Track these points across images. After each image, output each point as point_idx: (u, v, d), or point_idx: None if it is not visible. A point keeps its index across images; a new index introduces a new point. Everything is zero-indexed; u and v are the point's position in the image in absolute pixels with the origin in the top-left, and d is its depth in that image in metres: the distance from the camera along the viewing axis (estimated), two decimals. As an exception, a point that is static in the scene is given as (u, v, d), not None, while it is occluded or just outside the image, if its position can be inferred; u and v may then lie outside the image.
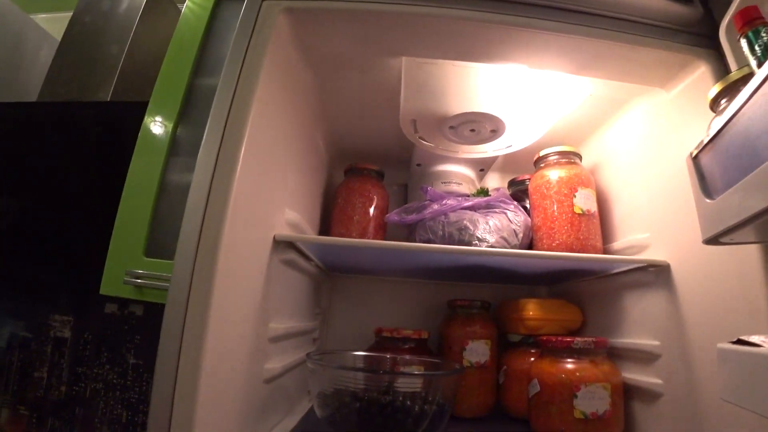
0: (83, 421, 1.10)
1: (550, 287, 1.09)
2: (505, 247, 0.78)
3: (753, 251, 0.56)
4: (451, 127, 0.78)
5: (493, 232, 0.78)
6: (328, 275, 1.05)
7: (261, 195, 0.62)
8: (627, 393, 0.76)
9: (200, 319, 0.48)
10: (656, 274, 0.74)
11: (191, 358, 0.48)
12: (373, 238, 0.87)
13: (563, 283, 1.00)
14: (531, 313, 0.86)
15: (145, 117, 0.92)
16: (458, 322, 0.88)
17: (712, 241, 0.49)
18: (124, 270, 0.83)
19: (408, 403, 0.59)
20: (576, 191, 0.80)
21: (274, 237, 0.66)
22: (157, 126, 0.91)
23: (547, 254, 0.74)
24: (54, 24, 1.28)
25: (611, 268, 0.79)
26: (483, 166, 0.96)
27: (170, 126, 0.87)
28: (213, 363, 0.49)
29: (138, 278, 0.82)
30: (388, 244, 0.66)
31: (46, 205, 1.10)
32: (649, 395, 0.73)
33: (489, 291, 0.95)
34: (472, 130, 0.78)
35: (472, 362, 0.84)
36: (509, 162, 1.01)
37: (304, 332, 0.85)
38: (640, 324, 0.77)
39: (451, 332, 0.87)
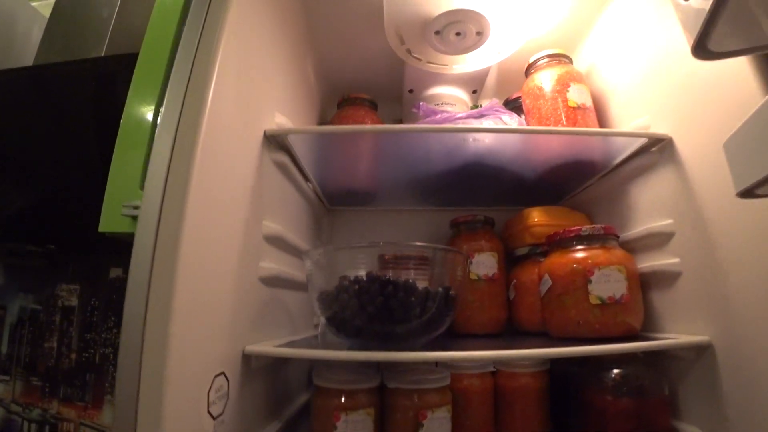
0: (94, 387, 1.08)
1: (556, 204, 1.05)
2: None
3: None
4: (437, 33, 0.76)
5: (487, 132, 0.76)
6: (328, 210, 1.04)
7: (248, 92, 0.61)
8: (644, 284, 0.73)
9: (178, 205, 0.46)
10: (660, 153, 0.71)
11: (168, 245, 0.45)
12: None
13: (568, 198, 0.97)
14: (536, 219, 0.84)
15: (137, 64, 0.92)
16: (462, 238, 0.85)
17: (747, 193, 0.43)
18: (121, 204, 0.82)
19: (411, 280, 0.57)
20: (568, 87, 0.79)
21: (264, 132, 0.65)
22: (148, 70, 0.91)
23: (541, 129, 0.71)
24: (47, 9, 1.30)
25: (611, 154, 0.76)
26: (475, 86, 0.95)
27: (162, 69, 0.87)
28: (193, 250, 0.47)
29: (135, 208, 0.81)
30: (384, 126, 0.64)
31: (45, 173, 1.10)
32: (667, 278, 0.70)
33: (494, 215, 0.92)
34: (458, 34, 0.76)
35: (479, 275, 0.82)
36: (503, 83, 1.00)
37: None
38: (650, 209, 0.74)
39: (456, 248, 0.85)
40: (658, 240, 0.71)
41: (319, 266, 0.62)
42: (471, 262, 0.81)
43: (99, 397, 1.08)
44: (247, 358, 0.60)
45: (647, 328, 0.73)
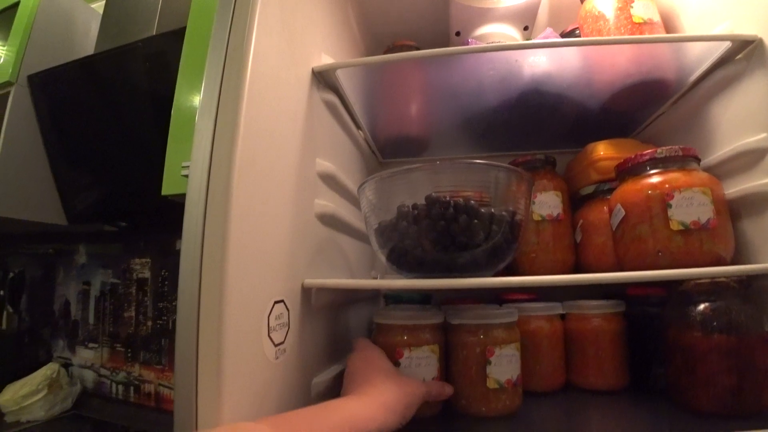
0: (169, 351, 1.14)
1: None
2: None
3: None
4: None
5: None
6: (380, 164, 1.02)
7: (293, 32, 0.59)
8: (732, 213, 0.66)
9: (227, 144, 0.46)
10: (747, 59, 0.63)
11: (220, 181, 0.45)
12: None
13: (637, 133, 0.89)
14: (602, 153, 0.77)
15: (186, 35, 0.95)
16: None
17: None
18: (180, 165, 0.86)
19: (472, 202, 0.54)
20: (632, 1, 0.71)
21: (312, 69, 0.64)
22: (196, 39, 0.94)
23: (601, 39, 0.64)
24: (101, 7, 1.37)
25: (687, 68, 0.68)
26: (526, 22, 0.89)
27: (208, 34, 0.90)
28: (246, 185, 0.47)
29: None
30: (432, 51, 0.60)
31: (110, 156, 1.17)
32: (762, 200, 0.62)
33: (557, 158, 0.86)
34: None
35: (543, 215, 0.77)
36: (556, 16, 0.93)
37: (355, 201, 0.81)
38: (736, 127, 0.66)
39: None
40: (749, 159, 0.64)
41: (374, 199, 0.60)
42: (534, 203, 0.76)
43: (174, 360, 1.14)
44: (306, 293, 0.60)
45: (739, 260, 0.65)
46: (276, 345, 0.52)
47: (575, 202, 0.83)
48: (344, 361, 0.72)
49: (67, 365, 1.44)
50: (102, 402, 1.34)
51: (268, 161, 0.52)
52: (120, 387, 1.29)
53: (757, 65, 0.62)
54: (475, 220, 0.53)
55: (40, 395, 1.27)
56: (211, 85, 0.49)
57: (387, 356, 0.58)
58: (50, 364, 1.39)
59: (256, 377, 0.48)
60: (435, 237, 0.53)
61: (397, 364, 0.58)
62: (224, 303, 0.43)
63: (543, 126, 0.85)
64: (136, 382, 1.24)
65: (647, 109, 0.81)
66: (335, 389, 0.68)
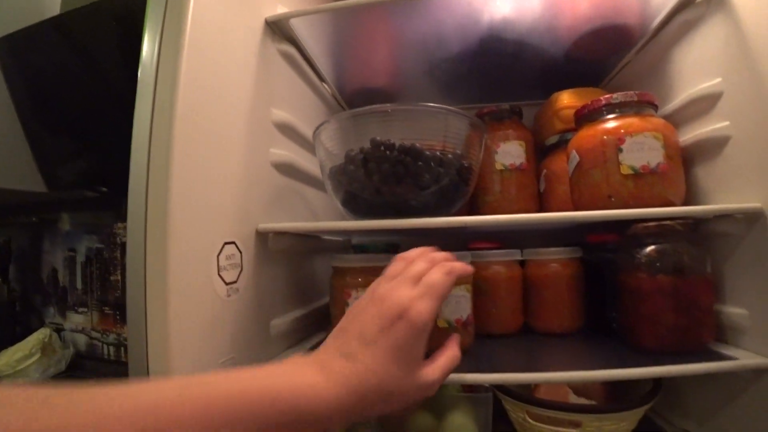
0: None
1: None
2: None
3: None
4: None
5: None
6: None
7: None
8: (686, 160, 0.66)
9: (169, 89, 0.46)
10: (707, 2, 0.62)
11: (162, 125, 0.46)
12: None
13: (606, 83, 0.89)
14: (566, 101, 0.78)
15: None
16: (487, 129, 0.81)
17: None
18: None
19: (417, 145, 0.54)
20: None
21: (265, 20, 0.63)
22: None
23: None
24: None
25: (648, 12, 0.68)
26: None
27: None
28: (189, 131, 0.47)
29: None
30: None
31: (85, 120, 1.16)
32: (713, 147, 0.63)
33: (525, 111, 0.86)
34: None
35: (506, 165, 0.77)
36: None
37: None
38: (694, 72, 0.66)
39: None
40: (704, 105, 0.64)
41: (328, 144, 0.61)
42: (496, 152, 0.77)
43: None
44: (262, 237, 0.61)
45: (690, 204, 0.66)
46: (227, 283, 0.53)
47: (542, 152, 0.84)
48: (309, 307, 0.75)
49: (59, 330, 1.48)
50: (95, 363, 1.38)
51: (214, 110, 0.52)
52: (111, 348, 1.34)
53: (716, 9, 0.61)
54: (420, 162, 0.53)
55: (34, 358, 1.31)
56: (152, 35, 0.49)
57: (338, 297, 0.60)
58: (42, 329, 1.43)
59: (206, 312, 0.50)
60: (380, 179, 0.54)
61: (345, 304, 0.59)
62: (169, 241, 0.45)
63: (509, 75, 0.84)
64: (126, 343, 1.28)
65: (613, 57, 0.80)
66: (297, 332, 0.71)
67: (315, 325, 0.75)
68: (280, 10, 0.67)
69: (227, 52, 0.55)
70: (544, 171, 0.80)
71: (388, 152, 0.53)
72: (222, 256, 0.53)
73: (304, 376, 0.33)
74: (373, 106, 0.56)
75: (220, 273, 0.52)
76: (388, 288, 0.40)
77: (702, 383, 0.67)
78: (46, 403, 0.24)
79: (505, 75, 0.84)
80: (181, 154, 0.46)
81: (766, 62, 0.54)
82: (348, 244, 0.94)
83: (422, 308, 0.37)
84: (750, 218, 0.57)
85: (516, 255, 0.73)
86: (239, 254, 0.56)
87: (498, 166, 0.77)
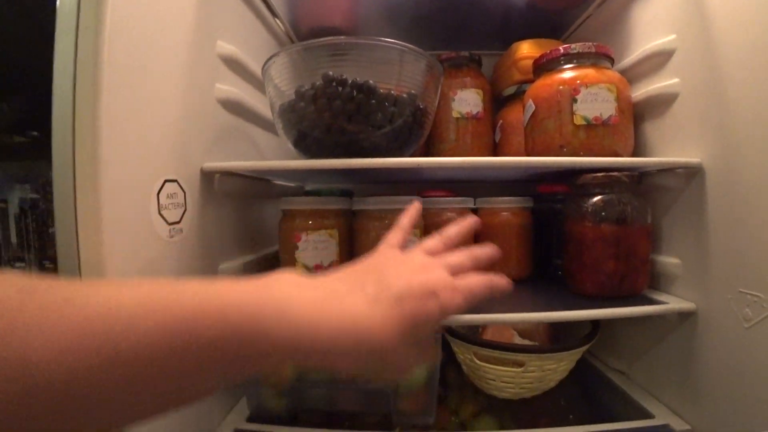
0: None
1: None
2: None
3: None
4: None
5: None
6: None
7: None
8: (637, 115, 0.68)
9: (94, 17, 0.41)
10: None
11: (88, 58, 0.41)
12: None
13: (568, 35, 0.88)
14: (525, 51, 0.77)
15: None
16: (445, 76, 0.79)
17: None
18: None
19: (371, 81, 0.52)
20: None
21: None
22: None
23: None
24: None
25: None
26: None
27: None
28: (121, 61, 0.43)
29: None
30: None
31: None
32: (663, 102, 0.64)
33: (487, 60, 0.84)
34: None
35: (462, 113, 0.76)
36: None
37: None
38: (651, 28, 0.66)
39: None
40: (658, 61, 0.65)
41: (278, 80, 0.57)
42: (453, 99, 0.76)
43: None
44: (208, 177, 0.58)
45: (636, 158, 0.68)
46: (170, 223, 0.51)
47: (499, 102, 0.83)
48: (260, 253, 0.73)
49: (-3, 287, 1.39)
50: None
51: (148, 39, 0.47)
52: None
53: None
54: (373, 101, 0.51)
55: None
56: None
57: (287, 240, 0.59)
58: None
59: (146, 253, 0.47)
60: (331, 117, 0.52)
61: (295, 247, 0.58)
62: (100, 177, 0.42)
63: (469, 22, 0.82)
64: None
65: (574, 10, 0.79)
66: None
67: (266, 271, 0.74)
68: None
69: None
70: (500, 121, 0.80)
71: (340, 88, 0.51)
72: (162, 195, 0.50)
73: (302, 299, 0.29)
74: (326, 38, 0.53)
75: (161, 212, 0.49)
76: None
77: (634, 327, 0.72)
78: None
79: (466, 22, 0.82)
80: (110, 84, 0.42)
81: (718, 22, 0.54)
82: (301, 190, 0.91)
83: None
84: (690, 173, 0.60)
85: (469, 203, 0.73)
86: (182, 193, 0.53)
87: (454, 114, 0.76)
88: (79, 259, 0.42)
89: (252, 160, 0.70)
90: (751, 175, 0.50)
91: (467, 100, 0.76)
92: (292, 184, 0.88)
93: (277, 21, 0.79)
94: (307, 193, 0.85)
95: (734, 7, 0.51)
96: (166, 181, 0.50)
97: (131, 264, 0.45)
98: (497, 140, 0.80)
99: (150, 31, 0.48)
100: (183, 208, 0.53)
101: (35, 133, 1.29)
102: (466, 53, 0.78)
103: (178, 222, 0.52)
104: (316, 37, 0.86)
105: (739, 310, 0.52)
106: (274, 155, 0.79)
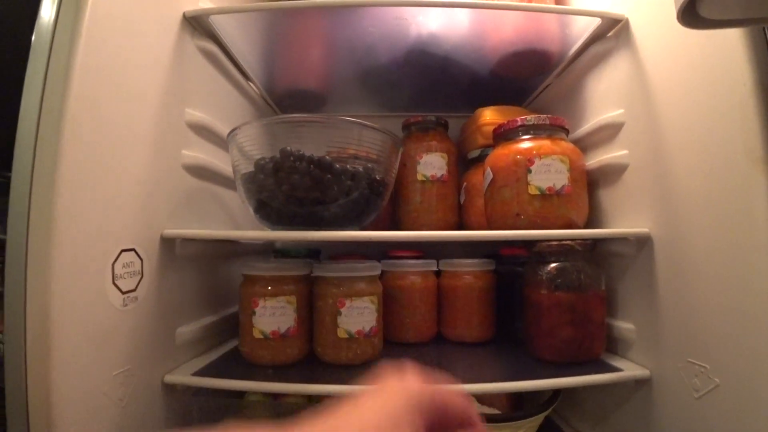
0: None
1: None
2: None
3: None
4: None
5: None
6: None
7: None
8: (592, 182, 0.70)
9: (59, 87, 0.43)
10: (616, 38, 0.66)
11: (51, 123, 0.43)
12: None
13: (530, 102, 0.93)
14: (488, 117, 0.80)
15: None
16: (412, 139, 0.82)
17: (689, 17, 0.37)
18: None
19: (327, 158, 0.54)
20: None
21: (183, 14, 0.61)
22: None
23: (485, 3, 0.63)
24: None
25: (566, 40, 0.71)
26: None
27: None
28: (82, 129, 0.44)
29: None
30: (308, 2, 0.59)
31: None
32: (614, 172, 0.67)
33: (453, 122, 0.88)
34: None
35: (427, 176, 0.79)
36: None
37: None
38: (603, 101, 0.70)
39: (405, 149, 0.81)
40: (609, 132, 0.68)
41: (241, 150, 0.59)
42: (419, 163, 0.78)
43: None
44: (168, 243, 0.59)
45: (592, 225, 0.71)
46: (124, 293, 0.51)
47: (464, 164, 0.86)
48: (222, 313, 0.73)
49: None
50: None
51: (115, 105, 0.49)
52: None
53: (623, 44, 0.65)
54: (329, 175, 0.53)
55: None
56: (44, 23, 0.45)
57: (246, 305, 0.60)
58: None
59: (97, 323, 0.47)
60: (289, 190, 0.53)
61: (253, 313, 0.59)
62: (53, 247, 0.42)
63: (437, 88, 0.86)
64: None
65: (535, 79, 0.84)
66: (207, 339, 0.69)
67: (228, 331, 0.74)
68: (203, 5, 0.64)
69: (135, 44, 0.52)
70: (465, 183, 0.82)
71: (297, 163, 0.53)
72: (118, 265, 0.50)
73: None
74: (284, 116, 0.56)
75: (116, 282, 0.50)
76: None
77: (594, 390, 0.72)
78: None
79: (434, 87, 0.86)
80: (71, 150, 0.43)
81: (662, 97, 0.57)
82: (270, 247, 0.92)
83: None
84: (640, 241, 0.62)
85: (432, 266, 0.75)
86: (140, 261, 0.54)
87: (420, 177, 0.78)
88: (25, 325, 0.42)
89: (219, 222, 0.72)
90: (695, 245, 0.52)
91: (432, 164, 0.78)
92: (260, 242, 0.89)
93: (251, 85, 0.82)
94: (276, 251, 0.86)
95: (676, 83, 0.54)
96: (123, 250, 0.51)
97: (80, 333, 0.45)
98: (462, 201, 0.83)
99: (119, 100, 0.50)
100: (139, 276, 0.54)
101: (9, 174, 1.29)
102: (432, 117, 0.81)
103: (133, 290, 0.53)
104: (290, 99, 0.90)
105: (689, 379, 0.53)
106: (242, 214, 0.80)
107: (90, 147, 0.46)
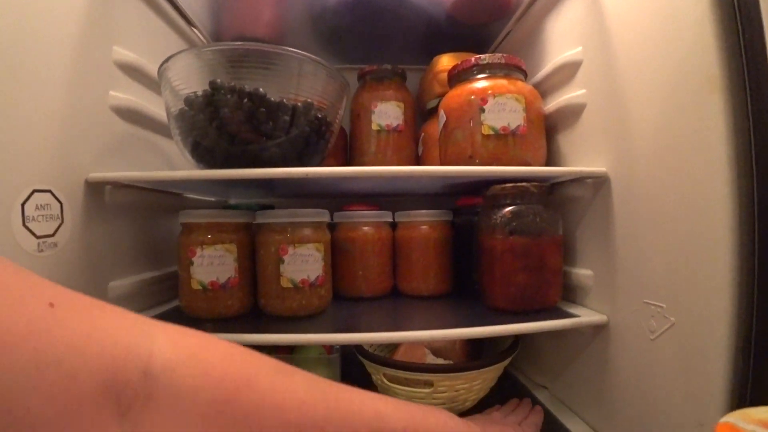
0: None
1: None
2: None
3: None
4: None
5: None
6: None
7: None
8: (550, 126, 0.68)
9: None
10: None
11: None
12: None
13: (493, 50, 0.89)
14: (445, 64, 0.77)
15: None
16: (366, 88, 0.78)
17: None
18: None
19: (261, 90, 0.50)
20: None
21: None
22: None
23: None
24: None
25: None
26: None
27: None
28: None
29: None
30: None
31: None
32: (572, 113, 0.64)
33: (413, 75, 0.84)
34: None
35: (382, 125, 0.75)
36: None
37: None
38: (561, 41, 0.67)
39: (359, 100, 0.78)
40: (567, 72, 0.65)
41: (173, 85, 0.55)
42: (373, 112, 0.75)
43: None
44: (95, 188, 0.55)
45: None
46: (38, 237, 0.47)
47: (423, 116, 0.83)
48: (164, 270, 0.69)
49: None
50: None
51: (26, 34, 0.44)
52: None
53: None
54: (263, 108, 0.49)
55: None
56: None
57: (183, 255, 0.56)
58: None
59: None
60: (219, 126, 0.49)
61: (190, 263, 0.55)
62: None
63: (392, 36, 0.81)
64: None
65: (495, 24, 0.80)
66: (148, 297, 0.65)
67: (172, 289, 0.70)
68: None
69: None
70: (423, 134, 0.79)
71: (228, 96, 0.49)
72: (29, 205, 0.46)
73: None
74: (222, 43, 0.51)
75: (27, 224, 0.46)
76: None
77: (552, 341, 0.71)
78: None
79: (388, 35, 0.81)
80: None
81: (617, 31, 0.55)
82: (224, 204, 0.88)
83: None
84: (597, 183, 0.59)
85: (386, 216, 0.72)
86: (58, 205, 0.50)
87: (374, 126, 0.75)
88: None
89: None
90: (649, 184, 0.50)
91: (387, 113, 0.75)
92: (212, 199, 0.84)
93: (195, 31, 0.77)
94: (228, 208, 0.82)
95: (633, 19, 0.52)
96: (35, 191, 0.47)
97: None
98: (420, 153, 0.79)
99: (24, 29, 0.45)
100: (59, 221, 0.50)
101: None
102: (388, 66, 0.77)
103: (50, 235, 0.48)
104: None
105: (645, 321, 0.52)
106: (187, 167, 0.76)
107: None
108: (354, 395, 0.33)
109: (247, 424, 0.26)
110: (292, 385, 0.30)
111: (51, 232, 0.49)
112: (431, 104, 0.79)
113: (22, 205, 0.45)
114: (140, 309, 0.64)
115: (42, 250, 0.47)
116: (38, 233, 0.47)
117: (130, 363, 0.23)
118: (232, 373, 0.27)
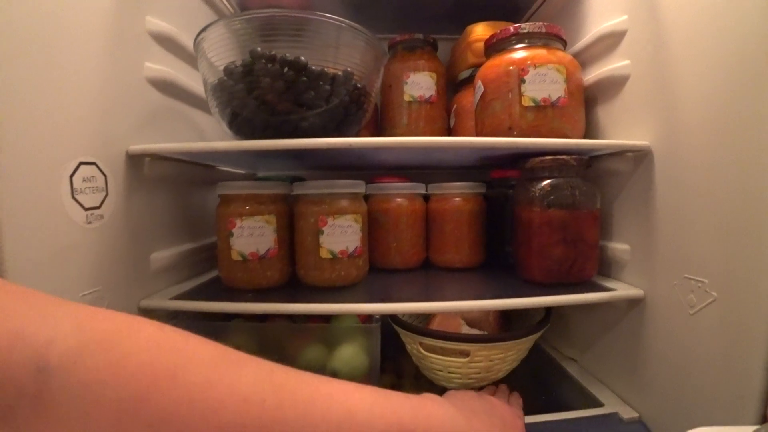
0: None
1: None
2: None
3: None
4: None
5: None
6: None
7: None
8: (589, 98, 0.66)
9: None
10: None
11: None
12: None
13: (527, 19, 0.86)
14: (479, 33, 0.74)
15: None
16: (398, 59, 0.76)
17: None
18: None
19: (302, 58, 0.49)
20: None
21: None
22: None
23: None
24: None
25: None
26: None
27: None
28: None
29: None
30: None
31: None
32: (614, 85, 0.63)
33: (444, 45, 0.82)
34: None
35: (414, 96, 0.74)
36: None
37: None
38: (604, 10, 0.65)
39: (390, 70, 0.76)
40: (610, 42, 0.63)
41: (210, 56, 0.54)
42: (406, 83, 0.73)
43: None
44: (136, 161, 0.55)
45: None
46: (87, 209, 0.48)
47: (456, 87, 0.81)
48: (201, 242, 0.70)
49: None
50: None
51: (59, 10, 0.44)
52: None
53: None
54: (304, 78, 0.49)
55: None
56: None
57: (223, 226, 0.57)
58: None
59: (57, 238, 0.44)
60: (261, 95, 0.49)
61: (230, 234, 0.56)
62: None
63: (425, 4, 0.79)
64: None
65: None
66: (187, 268, 0.66)
67: (208, 261, 0.71)
68: None
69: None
70: (455, 106, 0.78)
71: (269, 65, 0.48)
72: (77, 178, 0.46)
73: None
74: (258, 11, 0.50)
75: (75, 196, 0.46)
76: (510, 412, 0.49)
77: (585, 314, 0.71)
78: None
79: (418, 3, 0.78)
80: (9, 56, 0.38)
81: (667, 3, 0.53)
82: (252, 177, 0.88)
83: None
84: (638, 156, 0.58)
85: (420, 188, 0.71)
86: (103, 177, 0.50)
87: (406, 97, 0.73)
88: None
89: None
90: (696, 158, 0.49)
91: (420, 84, 0.73)
92: (242, 171, 0.85)
93: (224, 1, 0.75)
94: (258, 180, 0.82)
95: None
96: (81, 163, 0.47)
97: (39, 250, 0.42)
98: (452, 125, 0.78)
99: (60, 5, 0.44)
100: (104, 193, 0.50)
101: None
102: (419, 36, 0.75)
103: (97, 207, 0.49)
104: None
105: (684, 296, 0.51)
106: (220, 140, 0.76)
107: (31, 53, 0.41)
108: (320, 390, 0.27)
109: (164, 428, 0.21)
110: (236, 378, 0.24)
111: (98, 204, 0.49)
112: (464, 75, 0.77)
113: (71, 177, 0.46)
114: (181, 280, 0.65)
115: (90, 222, 0.48)
116: (86, 205, 0.48)
117: (17, 354, 0.19)
118: (151, 364, 0.22)
